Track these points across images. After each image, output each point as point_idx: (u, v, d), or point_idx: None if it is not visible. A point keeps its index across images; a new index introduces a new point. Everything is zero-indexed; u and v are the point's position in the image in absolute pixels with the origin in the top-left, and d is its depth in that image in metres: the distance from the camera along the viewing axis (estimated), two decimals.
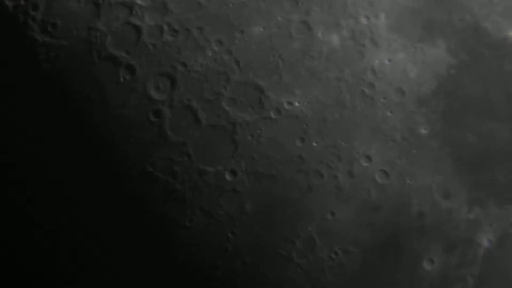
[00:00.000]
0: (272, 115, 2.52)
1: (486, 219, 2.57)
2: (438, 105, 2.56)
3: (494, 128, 2.57)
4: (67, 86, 2.57)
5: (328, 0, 2.59)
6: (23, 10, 2.63)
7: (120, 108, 2.54)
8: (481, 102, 2.58)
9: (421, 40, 2.59)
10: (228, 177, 2.51)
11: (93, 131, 2.55)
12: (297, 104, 2.53)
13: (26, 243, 2.67)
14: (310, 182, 2.51)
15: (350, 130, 2.53)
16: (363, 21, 2.58)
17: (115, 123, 2.54)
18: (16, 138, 2.62)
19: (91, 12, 2.59)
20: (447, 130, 2.56)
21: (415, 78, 2.57)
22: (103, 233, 2.58)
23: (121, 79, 2.54)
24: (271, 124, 2.52)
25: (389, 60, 2.56)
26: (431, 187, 2.54)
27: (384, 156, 2.53)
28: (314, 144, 2.52)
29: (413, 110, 2.55)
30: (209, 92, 2.52)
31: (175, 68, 2.53)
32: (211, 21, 2.55)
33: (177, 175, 2.52)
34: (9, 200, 2.66)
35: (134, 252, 2.57)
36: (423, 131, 2.55)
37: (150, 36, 2.55)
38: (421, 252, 2.55)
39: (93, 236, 2.58)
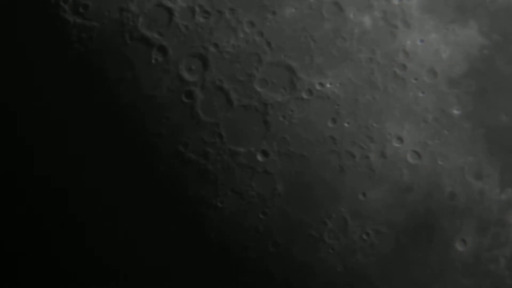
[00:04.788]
0: (304, 96, 2.52)
1: None
2: (470, 86, 2.56)
3: None
4: (99, 67, 2.58)
5: None
6: None
7: (152, 89, 2.54)
8: None
9: (453, 21, 2.59)
10: (259, 158, 2.52)
11: (125, 112, 2.56)
12: (328, 85, 2.52)
13: (56, 223, 2.69)
14: (342, 163, 2.51)
15: (382, 111, 2.53)
16: (395, 2, 2.57)
17: (147, 104, 2.54)
18: (47, 117, 2.63)
19: None
20: (479, 111, 2.55)
21: (447, 59, 2.56)
22: (134, 214, 2.59)
23: (153, 60, 2.55)
24: (303, 105, 2.52)
25: (421, 41, 2.55)
26: (463, 168, 2.54)
27: (416, 137, 2.53)
28: (346, 125, 2.52)
29: (445, 91, 2.55)
30: (241, 73, 2.53)
31: (207, 49, 2.54)
32: (243, 3, 2.56)
33: (209, 156, 2.52)
34: (38, 180, 2.68)
35: (165, 233, 2.57)
36: (455, 112, 2.55)
37: (182, 17, 2.56)
38: (453, 233, 2.54)
39: (124, 216, 2.59)
